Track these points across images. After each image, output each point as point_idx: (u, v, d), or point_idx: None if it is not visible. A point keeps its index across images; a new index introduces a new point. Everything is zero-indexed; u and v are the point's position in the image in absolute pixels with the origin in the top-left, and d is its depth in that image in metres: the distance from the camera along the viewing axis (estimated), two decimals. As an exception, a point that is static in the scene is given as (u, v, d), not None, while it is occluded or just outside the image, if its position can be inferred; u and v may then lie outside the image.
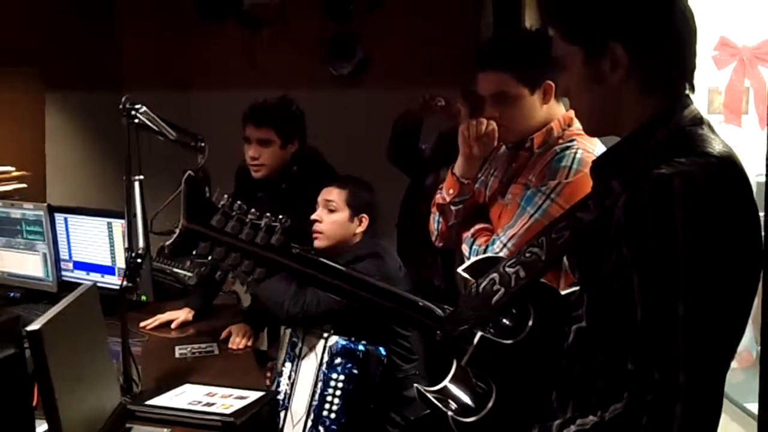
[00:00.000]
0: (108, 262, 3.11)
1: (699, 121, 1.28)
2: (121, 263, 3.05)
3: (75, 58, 4.72)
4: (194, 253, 1.44)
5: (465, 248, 2.12)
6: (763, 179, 3.05)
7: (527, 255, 1.36)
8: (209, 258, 1.44)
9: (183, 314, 3.05)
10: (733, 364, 2.93)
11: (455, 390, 1.44)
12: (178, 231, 1.45)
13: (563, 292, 1.44)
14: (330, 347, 2.41)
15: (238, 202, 1.47)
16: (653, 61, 1.27)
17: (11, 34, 4.32)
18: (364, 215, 2.73)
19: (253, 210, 1.46)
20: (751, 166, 3.10)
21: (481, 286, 1.40)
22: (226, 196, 1.49)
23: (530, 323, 1.37)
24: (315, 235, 2.70)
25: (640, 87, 1.28)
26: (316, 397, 2.39)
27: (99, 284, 2.15)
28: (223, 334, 2.86)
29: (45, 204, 3.25)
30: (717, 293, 1.15)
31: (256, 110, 3.03)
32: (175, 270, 3.50)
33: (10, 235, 3.30)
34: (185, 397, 2.26)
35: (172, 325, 3.00)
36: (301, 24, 4.80)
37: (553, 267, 1.42)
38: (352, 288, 1.48)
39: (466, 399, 1.42)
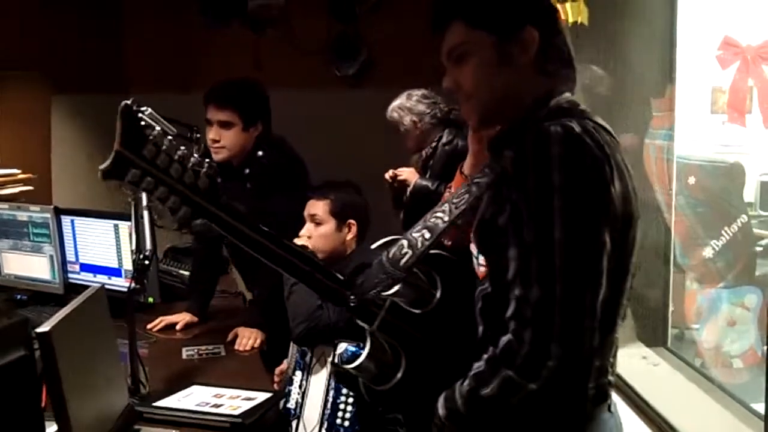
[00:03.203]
0: (115, 264, 3.12)
1: (577, 102, 1.42)
2: (127, 265, 3.06)
3: (80, 61, 4.75)
4: (125, 180, 1.43)
5: (473, 247, 2.12)
6: (767, 178, 3.06)
7: (432, 220, 1.46)
8: (140, 187, 1.44)
9: (186, 317, 3.06)
10: (739, 363, 2.94)
11: (370, 365, 1.46)
12: (111, 156, 1.44)
13: None
14: (339, 354, 2.40)
15: (170, 137, 1.46)
16: (552, 46, 1.42)
17: (16, 39, 4.34)
18: (352, 221, 2.63)
19: (183, 148, 1.46)
20: (755, 165, 3.11)
21: (391, 252, 1.48)
22: (159, 128, 1.47)
23: (438, 294, 1.44)
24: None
25: (536, 71, 1.41)
26: (329, 405, 2.38)
27: (106, 286, 2.16)
28: (230, 336, 2.87)
29: (52, 206, 3.27)
30: (588, 222, 1.26)
31: (217, 91, 2.93)
32: (182, 272, 3.52)
33: (16, 238, 3.31)
34: (193, 398, 2.27)
35: (177, 327, 3.01)
36: (306, 25, 4.82)
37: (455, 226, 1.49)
38: (272, 246, 1.48)
39: (379, 370, 1.45)
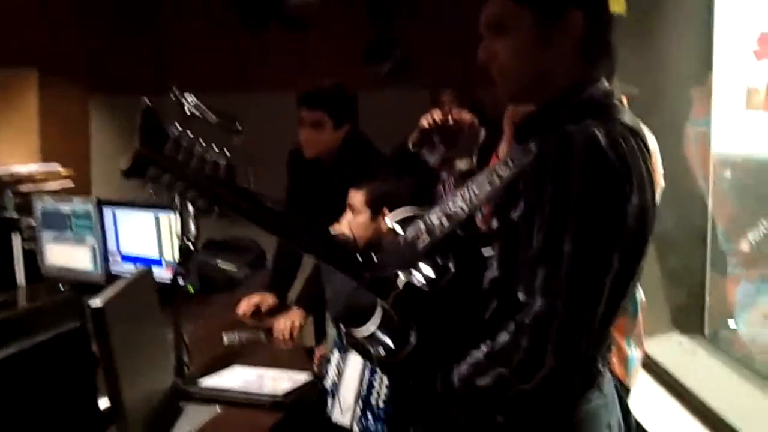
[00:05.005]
0: (155, 255, 3.17)
1: (611, 93, 1.41)
2: (168, 256, 3.11)
3: (119, 64, 4.86)
4: (145, 177, 1.45)
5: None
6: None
7: (452, 208, 1.46)
8: (160, 184, 1.45)
9: (269, 299, 3.13)
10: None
11: (381, 336, 1.49)
12: (130, 154, 1.47)
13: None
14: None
15: (189, 132, 1.47)
16: (596, 31, 1.40)
17: (58, 43, 4.46)
18: (386, 211, 2.55)
19: (201, 142, 1.47)
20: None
21: (409, 235, 1.49)
22: (178, 126, 1.49)
23: (450, 274, 1.46)
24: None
25: (577, 55, 1.39)
26: (365, 385, 2.40)
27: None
28: (269, 324, 2.90)
29: (94, 198, 3.32)
30: (599, 240, 1.28)
31: (309, 94, 3.16)
32: (219, 264, 3.54)
33: (59, 229, 3.38)
34: (235, 378, 2.32)
35: (263, 309, 3.08)
36: (341, 27, 4.88)
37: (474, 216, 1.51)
38: (291, 230, 1.51)
39: (389, 342, 1.48)
